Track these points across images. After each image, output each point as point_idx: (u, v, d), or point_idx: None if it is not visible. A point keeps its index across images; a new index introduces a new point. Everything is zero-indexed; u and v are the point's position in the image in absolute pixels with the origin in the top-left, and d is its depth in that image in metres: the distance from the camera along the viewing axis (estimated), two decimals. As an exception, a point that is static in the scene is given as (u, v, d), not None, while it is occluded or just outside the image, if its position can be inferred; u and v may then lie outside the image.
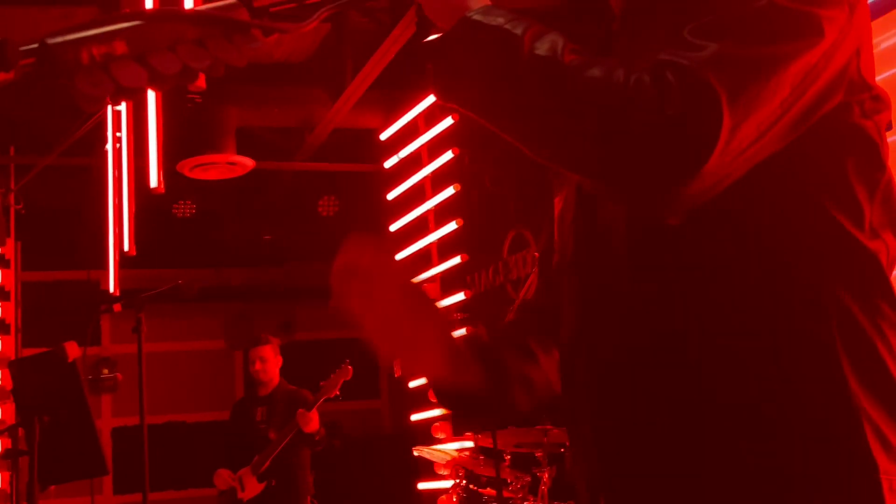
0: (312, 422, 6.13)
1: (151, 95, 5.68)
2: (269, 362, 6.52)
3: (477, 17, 1.16)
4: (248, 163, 7.68)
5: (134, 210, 6.17)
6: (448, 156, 7.18)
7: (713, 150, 1.04)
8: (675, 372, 1.17)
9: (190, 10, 1.03)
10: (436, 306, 1.37)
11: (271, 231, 9.45)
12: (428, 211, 7.45)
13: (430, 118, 7.38)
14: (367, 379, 9.72)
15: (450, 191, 7.16)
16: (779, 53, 1.08)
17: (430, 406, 7.07)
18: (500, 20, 1.14)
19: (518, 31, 1.13)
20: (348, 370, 6.23)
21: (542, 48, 1.11)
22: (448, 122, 7.12)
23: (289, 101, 7.70)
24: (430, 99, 7.15)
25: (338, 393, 6.28)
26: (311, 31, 7.48)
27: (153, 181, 5.72)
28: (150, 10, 1.01)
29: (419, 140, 7.49)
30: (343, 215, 8.88)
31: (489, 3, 1.20)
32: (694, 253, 1.16)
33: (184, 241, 9.12)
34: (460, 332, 1.41)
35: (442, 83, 1.18)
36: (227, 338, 10.31)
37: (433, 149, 7.40)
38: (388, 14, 6.75)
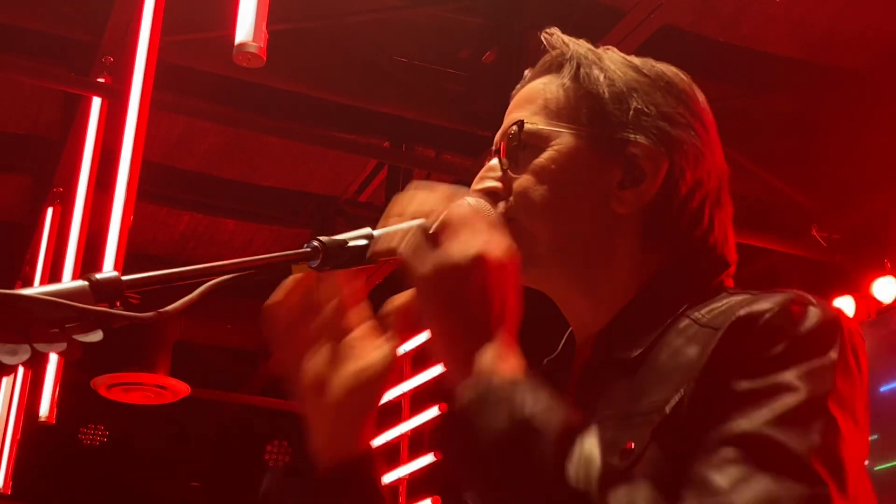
0: None
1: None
2: None
3: (498, 388, 1.21)
4: (182, 388, 7.25)
5: (18, 437, 5.67)
6: (434, 412, 6.60)
7: None
8: None
9: (20, 295, 1.10)
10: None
11: (202, 477, 9.04)
12: (399, 480, 6.82)
13: (417, 360, 6.90)
14: None
15: (429, 458, 6.53)
16: None
17: None
18: (528, 402, 1.19)
19: (549, 432, 1.18)
20: None
21: (578, 472, 1.16)
22: (440, 369, 6.49)
23: (245, 316, 7.37)
24: (422, 337, 6.66)
25: None
26: (290, 236, 7.14)
27: (43, 409, 5.14)
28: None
29: (402, 386, 6.96)
30: (295, 467, 8.44)
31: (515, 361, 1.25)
32: None
33: (87, 476, 8.67)
34: None
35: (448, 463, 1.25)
36: None
37: (417, 400, 6.89)
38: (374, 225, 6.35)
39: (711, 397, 1.21)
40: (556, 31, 1.50)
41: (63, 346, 1.11)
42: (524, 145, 1.44)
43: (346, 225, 6.96)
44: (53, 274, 5.40)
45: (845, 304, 5.33)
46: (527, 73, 1.54)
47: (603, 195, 1.41)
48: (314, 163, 6.47)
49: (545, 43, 1.51)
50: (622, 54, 1.48)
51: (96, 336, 1.15)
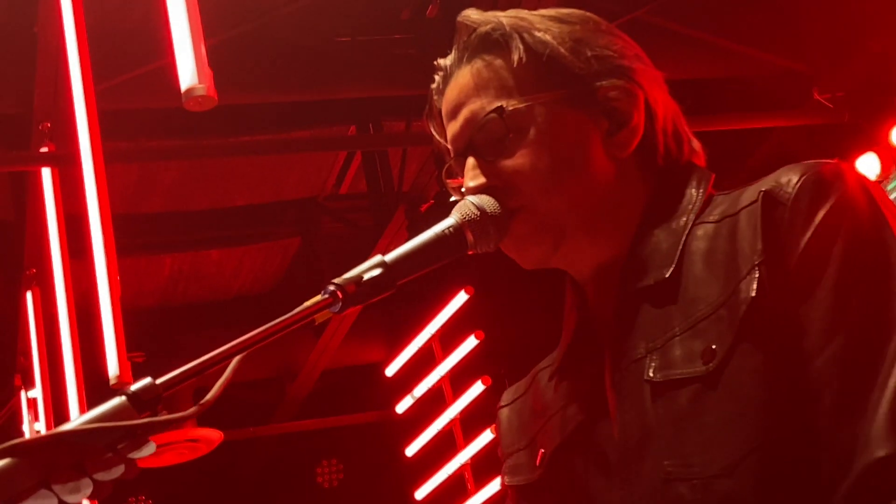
0: None
1: (70, 373, 5.14)
2: None
3: None
4: (215, 436, 7.22)
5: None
6: (479, 388, 6.70)
7: None
8: None
9: (65, 432, 1.14)
10: None
11: (257, 518, 9.12)
12: (463, 466, 6.88)
13: (446, 339, 6.97)
14: None
15: (487, 435, 6.57)
16: None
17: None
18: None
19: None
20: None
21: None
22: (472, 342, 6.66)
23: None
24: (445, 314, 6.68)
25: None
26: (280, 249, 7.19)
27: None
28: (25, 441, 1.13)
29: (437, 370, 7.03)
30: (350, 483, 8.64)
31: None
32: None
33: (141, 551, 8.76)
34: None
35: None
36: None
37: (458, 380, 6.93)
38: (371, 214, 6.40)
39: (797, 277, 1.31)
40: (470, 11, 1.56)
41: (121, 468, 1.13)
42: (507, 131, 1.48)
43: (333, 223, 7.01)
44: (52, 360, 5.42)
45: (869, 162, 5.36)
46: (445, 63, 1.56)
47: (599, 147, 1.49)
48: (283, 169, 6.50)
49: (465, 24, 1.54)
50: (532, 13, 1.55)
51: (150, 449, 1.17)
